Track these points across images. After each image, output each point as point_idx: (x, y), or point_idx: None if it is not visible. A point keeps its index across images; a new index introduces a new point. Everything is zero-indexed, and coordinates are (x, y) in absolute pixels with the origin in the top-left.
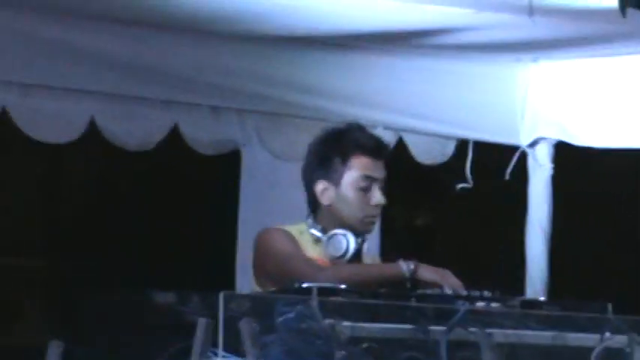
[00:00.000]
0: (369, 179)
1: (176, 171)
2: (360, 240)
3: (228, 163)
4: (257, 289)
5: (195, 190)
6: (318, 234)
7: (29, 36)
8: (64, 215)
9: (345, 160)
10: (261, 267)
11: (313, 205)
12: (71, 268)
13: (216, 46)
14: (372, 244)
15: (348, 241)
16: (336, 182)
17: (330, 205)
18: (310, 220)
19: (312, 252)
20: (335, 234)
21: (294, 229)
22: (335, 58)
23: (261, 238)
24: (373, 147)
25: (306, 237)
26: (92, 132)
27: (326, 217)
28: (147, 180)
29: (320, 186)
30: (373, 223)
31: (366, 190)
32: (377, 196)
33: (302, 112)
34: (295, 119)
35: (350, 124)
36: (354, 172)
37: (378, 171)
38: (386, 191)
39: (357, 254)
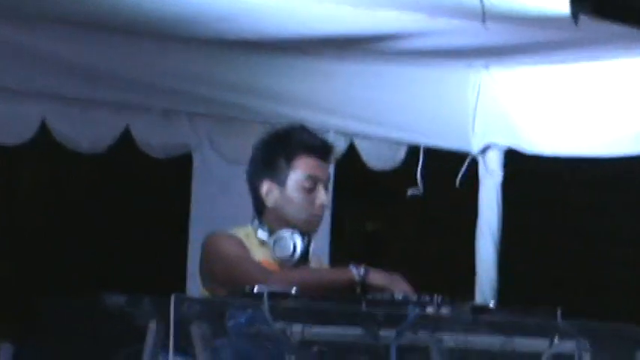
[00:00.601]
0: (314, 180)
1: (128, 174)
2: (307, 240)
3: (180, 167)
4: (205, 293)
5: (146, 193)
6: (265, 236)
7: None
8: (15, 218)
9: (289, 160)
10: (210, 271)
11: (259, 206)
12: (23, 272)
13: (168, 50)
14: (322, 248)
15: (295, 242)
16: (281, 183)
17: (275, 206)
18: (256, 222)
19: (259, 254)
20: (281, 235)
21: (240, 233)
22: (287, 63)
23: (209, 242)
24: (318, 148)
25: (253, 239)
26: (43, 134)
27: (271, 218)
28: (99, 183)
29: (265, 187)
30: (318, 223)
31: (310, 191)
32: (321, 197)
33: (253, 116)
34: (247, 123)
35: (294, 125)
36: (299, 172)
37: (323, 172)
38: (330, 192)
39: (305, 255)
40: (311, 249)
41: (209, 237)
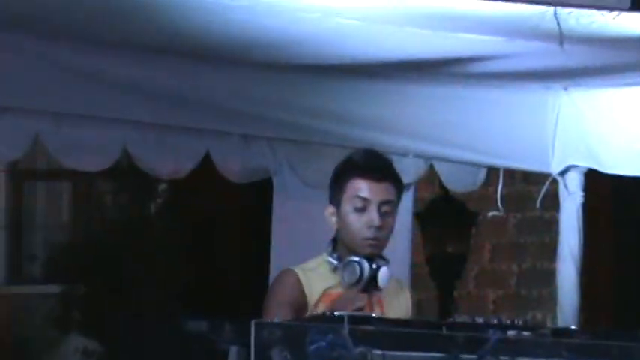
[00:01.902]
0: (364, 201)
1: (208, 199)
2: (375, 266)
3: (260, 191)
4: None
5: (227, 217)
6: (334, 262)
7: (63, 65)
8: (98, 242)
9: (342, 183)
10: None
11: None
12: (106, 295)
13: (247, 75)
14: (403, 271)
15: (362, 268)
16: (337, 206)
17: (338, 229)
18: (329, 248)
19: (331, 280)
20: (349, 260)
21: (311, 264)
22: (366, 87)
23: (274, 281)
24: (369, 169)
25: (324, 267)
26: (125, 160)
27: (339, 243)
28: (179, 207)
29: (329, 210)
30: (375, 245)
31: (361, 212)
32: (371, 218)
33: (333, 140)
34: (326, 147)
35: (360, 150)
36: (349, 194)
37: (376, 193)
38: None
39: (373, 280)
40: (382, 274)
41: (278, 273)
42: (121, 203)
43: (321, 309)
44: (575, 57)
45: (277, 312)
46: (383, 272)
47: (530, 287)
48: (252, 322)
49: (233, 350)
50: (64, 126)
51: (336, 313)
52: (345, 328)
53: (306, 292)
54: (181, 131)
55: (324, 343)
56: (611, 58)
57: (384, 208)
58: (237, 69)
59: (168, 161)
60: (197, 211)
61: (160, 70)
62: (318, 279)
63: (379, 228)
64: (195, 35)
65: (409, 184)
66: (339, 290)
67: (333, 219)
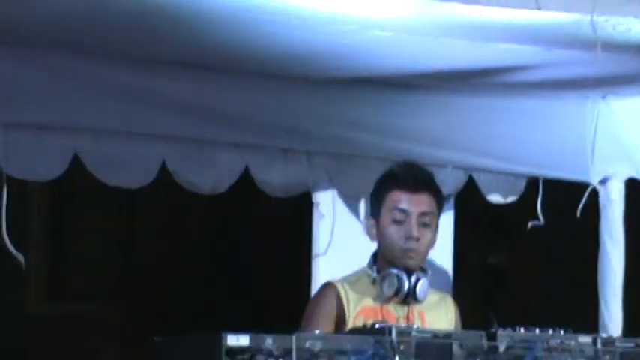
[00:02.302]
0: (403, 213)
1: (249, 213)
2: (414, 278)
3: (301, 204)
4: None
5: (268, 231)
6: (374, 274)
7: (100, 82)
8: (138, 259)
9: (381, 195)
10: None
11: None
12: (147, 312)
13: (285, 88)
14: (446, 282)
15: (400, 280)
16: (377, 218)
17: (377, 242)
18: (370, 260)
19: (370, 293)
20: (388, 273)
21: (352, 277)
22: (403, 98)
23: (315, 293)
24: (408, 181)
25: (364, 280)
26: (164, 176)
27: (379, 256)
28: (219, 222)
29: (369, 223)
30: (414, 257)
31: (400, 224)
32: (409, 229)
33: (371, 153)
34: (365, 159)
35: (400, 162)
36: (387, 206)
37: (414, 204)
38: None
39: (412, 292)
40: (421, 286)
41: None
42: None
43: (359, 321)
44: (612, 65)
45: (316, 325)
46: (422, 284)
47: (573, 297)
48: (294, 336)
49: None
50: (102, 143)
51: (377, 326)
52: (387, 340)
53: (345, 304)
54: (220, 146)
55: (366, 356)
56: None
57: (423, 220)
58: (274, 83)
59: (208, 176)
60: (235, 226)
61: (197, 84)
62: (357, 292)
63: (417, 239)
64: (230, 50)
65: (449, 195)
66: (378, 303)
67: (374, 231)
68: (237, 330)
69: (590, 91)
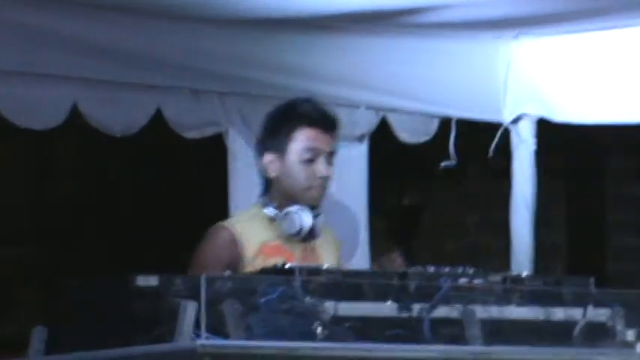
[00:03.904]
0: (314, 151)
1: (162, 154)
2: (314, 215)
3: (214, 145)
4: None
5: (182, 173)
6: (272, 212)
7: (10, 23)
8: (50, 202)
9: (289, 131)
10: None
11: (265, 180)
12: (60, 255)
13: (196, 30)
14: (362, 224)
15: (301, 218)
16: (281, 154)
17: (277, 178)
18: (263, 199)
19: (269, 231)
20: (289, 211)
21: (245, 216)
22: (316, 39)
23: (205, 237)
24: (318, 119)
25: (260, 217)
26: (76, 117)
27: (276, 192)
28: (133, 164)
29: (267, 158)
30: (319, 195)
31: (309, 162)
32: (321, 168)
33: (284, 94)
34: (278, 100)
35: (301, 97)
36: (298, 143)
37: (324, 143)
38: (332, 164)
39: (312, 231)
40: (319, 223)
41: (209, 230)
42: (75, 162)
43: (259, 262)
44: (524, 5)
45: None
46: (320, 222)
47: (486, 237)
48: (202, 277)
49: (183, 305)
50: (12, 84)
51: (287, 266)
52: (297, 280)
53: (241, 246)
54: (132, 87)
55: (275, 296)
56: (560, 5)
57: (330, 159)
58: (186, 24)
59: (120, 117)
60: (152, 168)
61: (109, 26)
62: (253, 231)
63: (327, 178)
64: None
65: (362, 136)
66: (277, 242)
67: (273, 167)
68: (152, 271)
69: (502, 32)
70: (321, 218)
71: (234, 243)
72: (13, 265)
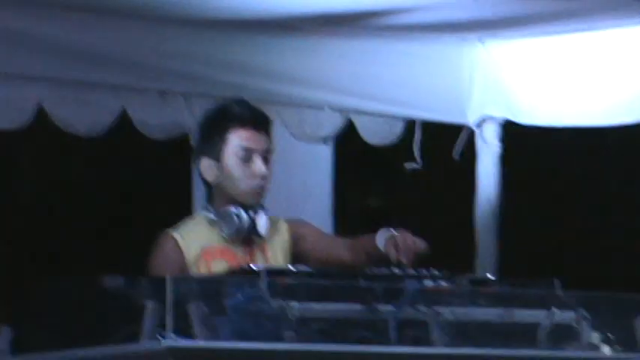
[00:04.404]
0: (248, 150)
1: (127, 156)
2: (252, 213)
3: (180, 147)
4: None
5: (147, 175)
6: (211, 216)
7: None
8: (14, 202)
9: (222, 134)
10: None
11: (206, 186)
12: (21, 255)
13: (162, 31)
14: (325, 225)
15: (239, 217)
16: (216, 158)
17: (215, 183)
18: (205, 204)
19: (211, 235)
20: (226, 211)
21: (189, 223)
22: (281, 41)
23: (154, 246)
24: (249, 119)
25: (202, 223)
26: (41, 118)
27: (217, 196)
28: (98, 165)
29: (204, 163)
30: (259, 194)
31: (245, 162)
32: (259, 167)
33: (248, 95)
34: None
35: (232, 99)
36: (232, 144)
37: (258, 142)
38: (269, 162)
39: (252, 228)
40: (261, 221)
41: (158, 238)
42: (40, 163)
43: (202, 267)
44: (489, 8)
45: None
46: (261, 218)
47: (451, 240)
48: (168, 278)
49: (149, 306)
50: None
51: (253, 266)
52: (263, 282)
53: (185, 252)
54: (97, 87)
55: (241, 297)
56: (525, 8)
57: (267, 156)
58: (153, 25)
59: (86, 118)
60: (117, 171)
61: (75, 26)
62: (196, 237)
63: (265, 176)
64: None
65: (327, 137)
66: (219, 245)
67: (210, 172)
68: (118, 272)
69: (467, 34)
70: (262, 215)
71: (177, 249)
72: None
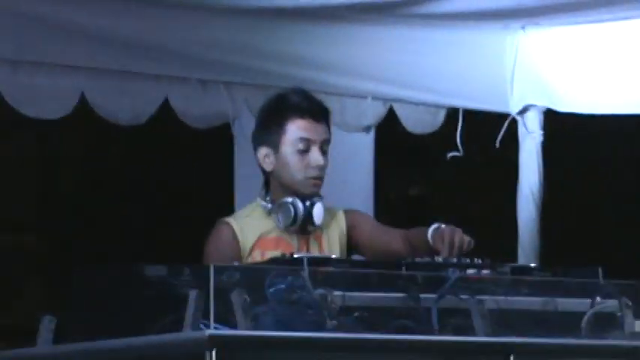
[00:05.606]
0: (307, 141)
1: (169, 145)
2: (308, 203)
3: (222, 136)
4: None
5: (189, 163)
6: (268, 205)
7: (18, 12)
8: (57, 191)
9: (281, 124)
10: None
11: (264, 174)
12: (66, 245)
13: (204, 20)
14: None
15: (295, 208)
16: (275, 147)
17: (273, 172)
18: (262, 192)
19: (266, 225)
20: (282, 202)
21: (246, 211)
22: (323, 30)
23: (209, 234)
24: (309, 109)
25: (258, 212)
26: (83, 107)
27: (274, 185)
28: (140, 154)
29: (262, 152)
30: (316, 185)
31: (303, 153)
32: (315, 157)
33: (290, 83)
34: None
35: (291, 89)
36: (291, 134)
37: (316, 133)
38: (327, 153)
39: (308, 219)
40: (317, 212)
41: (213, 228)
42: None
43: (257, 256)
44: None
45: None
46: (317, 208)
47: (493, 228)
48: (211, 266)
49: (192, 294)
50: (20, 74)
51: (295, 255)
52: (305, 270)
53: (241, 240)
54: (139, 77)
55: (283, 286)
56: None
57: (324, 148)
58: (194, 14)
59: (127, 107)
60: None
61: (117, 15)
62: (252, 225)
63: (322, 167)
64: None
65: (369, 127)
66: (275, 234)
67: (267, 161)
68: (160, 261)
69: (509, 22)
70: (319, 206)
71: (234, 238)
72: (13, 253)
